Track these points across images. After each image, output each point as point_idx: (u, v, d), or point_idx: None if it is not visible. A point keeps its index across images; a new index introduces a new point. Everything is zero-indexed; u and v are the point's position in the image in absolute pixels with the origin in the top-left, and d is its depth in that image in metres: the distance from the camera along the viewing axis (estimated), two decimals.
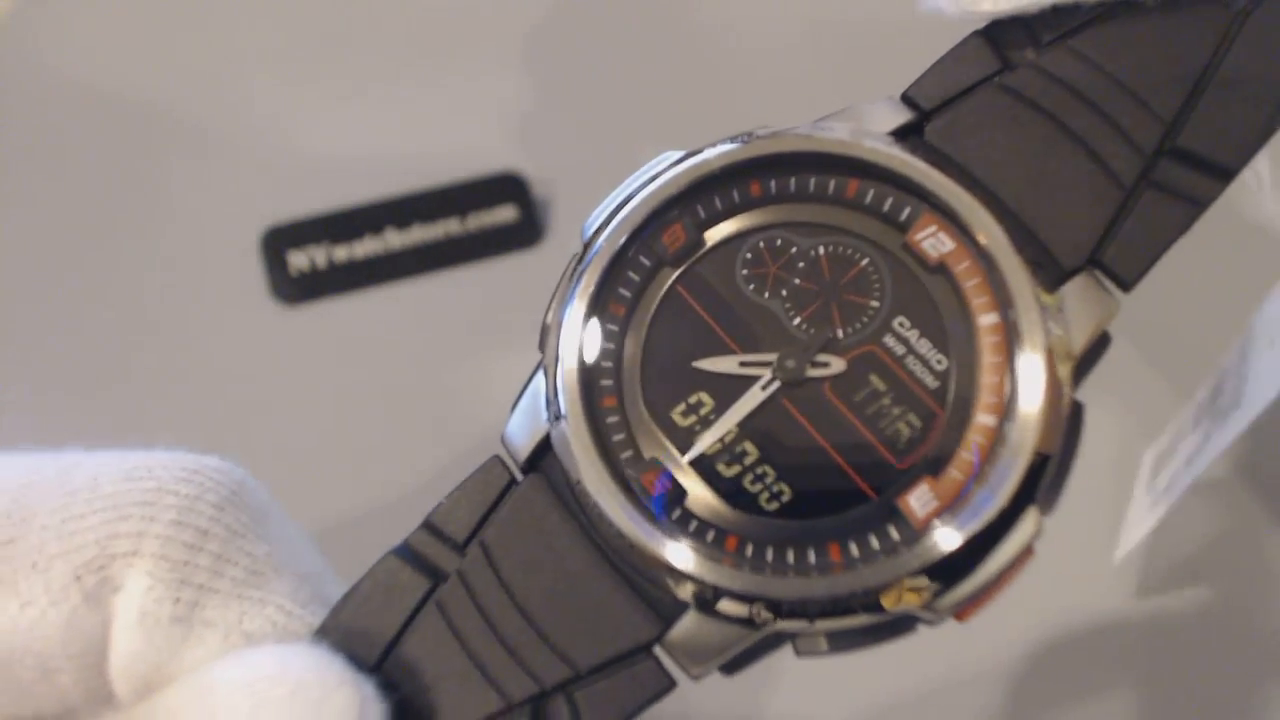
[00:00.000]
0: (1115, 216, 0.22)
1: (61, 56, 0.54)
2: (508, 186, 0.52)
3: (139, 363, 0.49)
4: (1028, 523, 0.22)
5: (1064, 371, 0.22)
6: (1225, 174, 0.23)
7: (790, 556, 0.22)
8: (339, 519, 0.43)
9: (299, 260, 0.51)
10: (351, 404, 0.48)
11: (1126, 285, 0.23)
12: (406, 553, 0.23)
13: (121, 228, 0.51)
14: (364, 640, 0.23)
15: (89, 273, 0.51)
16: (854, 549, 0.22)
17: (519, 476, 0.24)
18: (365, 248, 0.51)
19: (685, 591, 0.22)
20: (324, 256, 0.51)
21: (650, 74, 0.53)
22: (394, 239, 0.52)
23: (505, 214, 0.52)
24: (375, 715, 0.21)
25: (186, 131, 0.53)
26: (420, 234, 0.52)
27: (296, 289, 0.51)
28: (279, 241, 0.51)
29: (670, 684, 0.23)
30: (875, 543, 0.22)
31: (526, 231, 0.52)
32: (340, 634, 0.23)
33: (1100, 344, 0.23)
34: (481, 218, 0.52)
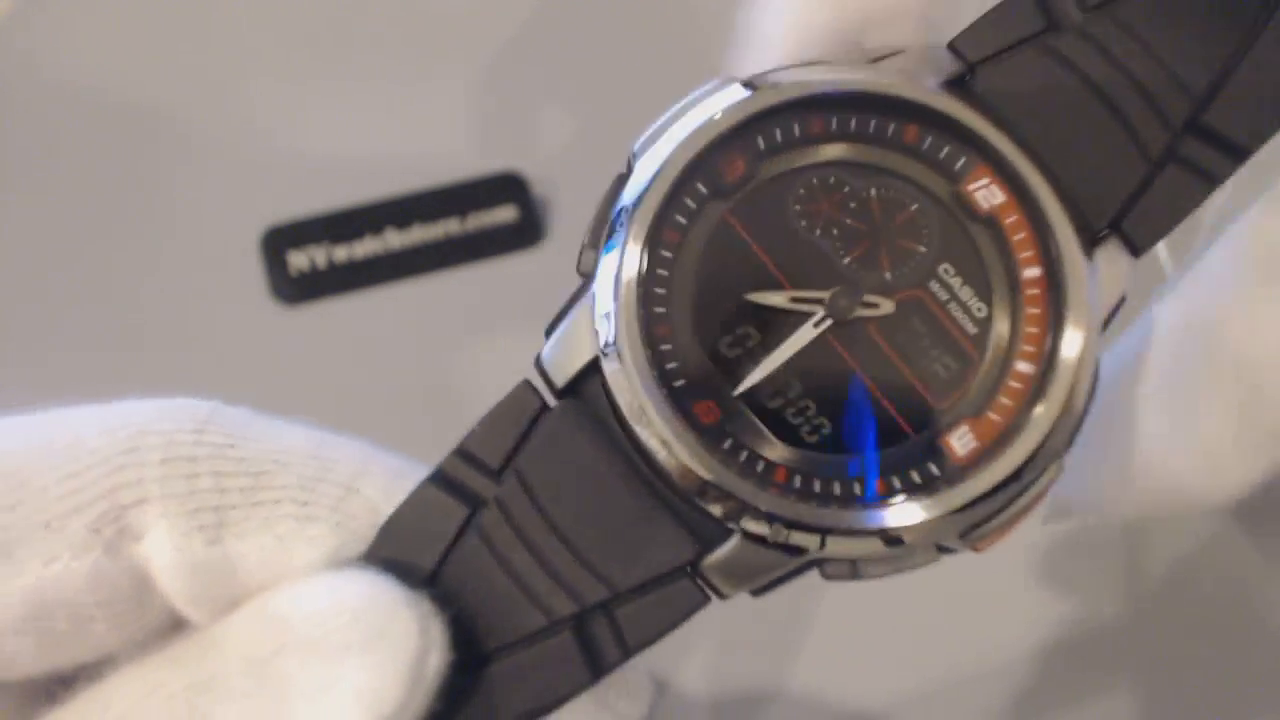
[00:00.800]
0: (1140, 186, 0.23)
1: (61, 57, 0.54)
2: (508, 186, 0.52)
3: (139, 363, 0.49)
4: (1052, 468, 0.23)
5: (1097, 324, 0.23)
6: (1241, 154, 0.24)
7: (836, 488, 0.23)
8: None
9: (299, 260, 0.51)
10: (351, 404, 0.48)
11: (1138, 251, 0.24)
12: (442, 480, 0.24)
13: (121, 228, 0.51)
14: (409, 565, 0.23)
15: (88, 273, 0.51)
16: (896, 483, 0.23)
17: (550, 402, 0.24)
18: (365, 248, 0.51)
19: (733, 514, 0.23)
20: (324, 256, 0.51)
21: (651, 73, 0.53)
22: (394, 239, 0.52)
23: (505, 214, 0.52)
24: (436, 631, 0.22)
25: (187, 132, 0.53)
26: (420, 234, 0.52)
27: (296, 289, 0.51)
28: (279, 241, 0.51)
29: (705, 600, 0.23)
30: (917, 478, 0.23)
31: (526, 231, 0.52)
32: (386, 561, 0.23)
33: (1119, 305, 0.24)
34: (481, 218, 0.52)
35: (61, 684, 0.24)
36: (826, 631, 0.46)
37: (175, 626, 0.24)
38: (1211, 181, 0.24)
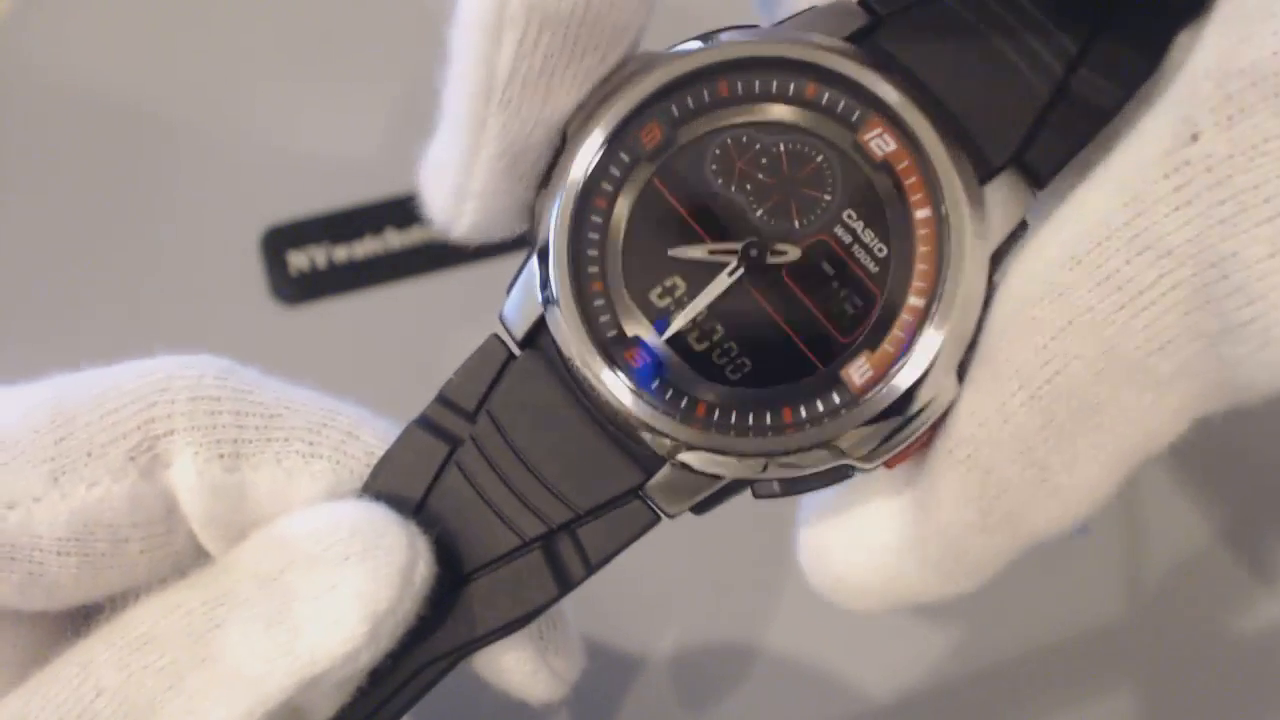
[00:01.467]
0: (1036, 122, 0.25)
1: (60, 56, 0.54)
2: None
3: None
4: (948, 389, 0.25)
5: (983, 258, 0.25)
6: (1128, 83, 0.26)
7: (750, 419, 0.25)
8: None
9: (299, 260, 0.51)
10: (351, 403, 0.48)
11: (1042, 182, 0.26)
12: (426, 423, 0.27)
13: (121, 228, 0.51)
14: (399, 496, 0.27)
15: (88, 273, 0.51)
16: (803, 412, 0.25)
17: (516, 352, 0.27)
18: (365, 248, 0.52)
19: (663, 448, 0.26)
20: (324, 256, 0.51)
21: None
22: (394, 239, 0.52)
23: None
24: (422, 547, 0.25)
25: (186, 132, 0.53)
26: (420, 234, 0.52)
27: (296, 289, 0.51)
28: (279, 241, 0.51)
29: (655, 519, 0.27)
30: (820, 406, 0.25)
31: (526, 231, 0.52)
32: (379, 492, 0.27)
33: (1019, 231, 0.26)
34: None
35: (86, 620, 0.26)
36: (804, 606, 0.46)
37: (194, 564, 0.27)
38: (1104, 112, 0.26)
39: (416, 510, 0.27)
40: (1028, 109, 0.25)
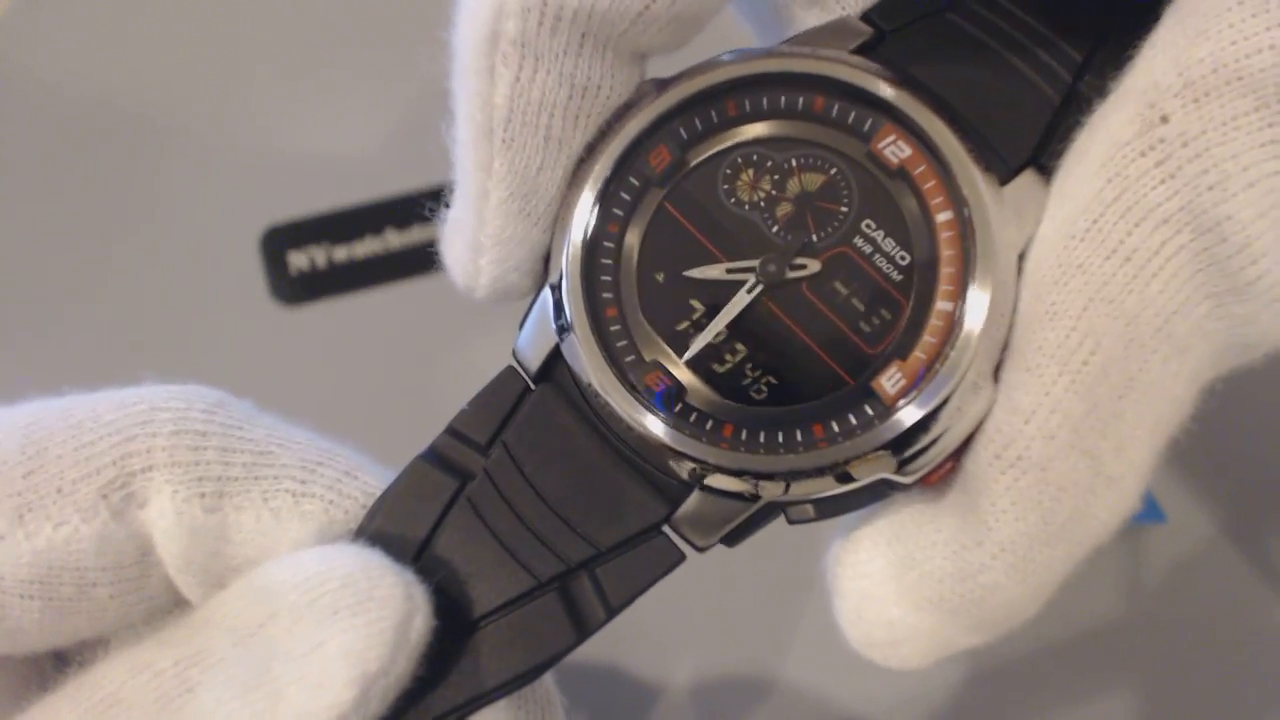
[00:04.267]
0: (1049, 126, 0.25)
1: (59, 56, 0.54)
2: None
3: (138, 363, 0.49)
4: (983, 396, 0.24)
5: (1011, 257, 0.24)
6: None
7: (780, 437, 0.25)
8: None
9: (299, 260, 0.51)
10: (351, 403, 0.48)
11: None
12: (433, 456, 0.26)
13: (121, 228, 0.51)
14: (400, 537, 0.25)
15: (88, 274, 0.51)
16: (835, 426, 0.24)
17: (532, 385, 0.26)
18: (365, 248, 0.52)
19: (688, 473, 0.25)
20: (324, 256, 0.51)
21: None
22: (394, 239, 0.52)
23: None
24: (420, 597, 0.23)
25: (186, 131, 0.53)
26: (420, 234, 0.52)
27: (296, 289, 0.51)
28: (279, 241, 0.51)
29: (680, 557, 0.25)
30: (853, 420, 0.24)
31: None
32: (378, 533, 0.25)
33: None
34: None
35: (56, 667, 0.25)
36: (819, 631, 0.46)
37: (171, 608, 0.25)
38: None
39: (420, 551, 0.25)
40: (1040, 113, 0.25)
